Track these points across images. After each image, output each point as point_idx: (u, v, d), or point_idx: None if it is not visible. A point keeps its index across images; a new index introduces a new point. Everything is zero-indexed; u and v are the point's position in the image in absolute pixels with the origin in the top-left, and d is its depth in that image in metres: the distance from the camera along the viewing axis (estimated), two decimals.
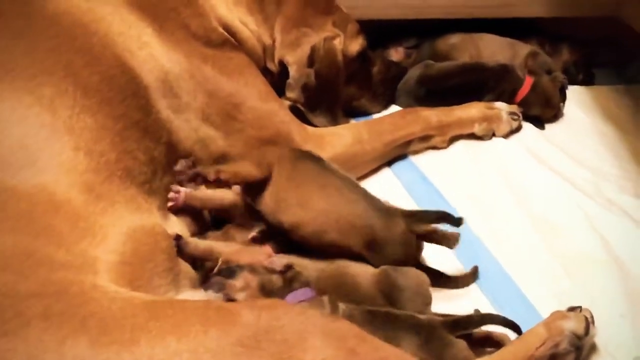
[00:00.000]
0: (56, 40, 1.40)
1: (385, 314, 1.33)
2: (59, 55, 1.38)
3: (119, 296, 1.08)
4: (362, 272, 1.44)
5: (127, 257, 1.22)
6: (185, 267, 1.40)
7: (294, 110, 1.90)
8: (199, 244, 1.43)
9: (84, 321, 1.00)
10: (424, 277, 1.46)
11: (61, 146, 1.27)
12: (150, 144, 1.46)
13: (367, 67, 2.19)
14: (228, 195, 1.58)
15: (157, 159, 1.48)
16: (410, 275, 1.44)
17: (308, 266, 1.40)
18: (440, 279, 1.55)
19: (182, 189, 1.53)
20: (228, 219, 1.60)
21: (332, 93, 2.00)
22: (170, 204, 1.52)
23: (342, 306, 1.32)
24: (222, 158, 1.68)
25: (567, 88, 2.26)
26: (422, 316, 1.35)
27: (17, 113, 1.27)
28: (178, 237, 1.39)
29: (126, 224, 1.28)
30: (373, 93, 2.23)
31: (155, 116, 1.51)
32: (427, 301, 1.44)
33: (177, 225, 1.51)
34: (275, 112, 1.77)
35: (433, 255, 1.60)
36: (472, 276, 1.60)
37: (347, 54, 2.05)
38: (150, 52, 1.56)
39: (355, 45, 2.09)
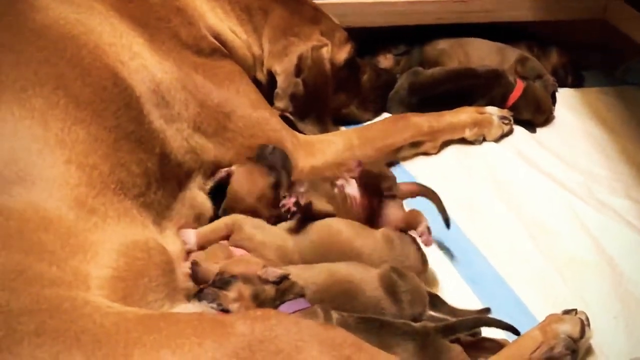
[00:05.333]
0: (46, 52, 1.39)
1: (379, 322, 1.33)
2: (49, 67, 1.37)
3: (112, 311, 1.07)
4: (366, 277, 1.44)
5: (120, 272, 1.20)
6: (182, 282, 1.38)
7: (284, 119, 1.90)
8: (211, 268, 1.39)
9: (77, 337, 0.99)
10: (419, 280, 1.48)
11: (53, 160, 1.26)
12: (143, 155, 1.45)
13: (357, 75, 2.19)
14: (229, 219, 1.58)
15: (150, 170, 1.46)
16: (409, 278, 1.45)
17: (307, 278, 1.39)
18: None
19: (190, 231, 1.54)
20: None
21: (321, 101, 2.00)
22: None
23: (335, 314, 1.32)
24: (214, 167, 1.68)
25: (557, 91, 2.27)
26: (415, 324, 1.35)
27: (8, 126, 1.26)
28: (195, 263, 1.38)
29: (119, 239, 1.26)
30: (363, 101, 2.22)
31: (148, 127, 1.50)
32: (425, 301, 1.45)
33: (173, 240, 1.50)
34: (267, 120, 1.77)
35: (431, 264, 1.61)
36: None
37: (335, 62, 2.05)
38: (142, 63, 1.55)
39: (343, 53, 2.08)
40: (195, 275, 1.36)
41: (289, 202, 1.53)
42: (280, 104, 1.93)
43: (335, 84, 2.05)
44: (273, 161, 1.68)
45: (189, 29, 1.72)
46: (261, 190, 1.63)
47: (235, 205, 1.62)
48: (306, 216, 1.55)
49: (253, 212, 1.60)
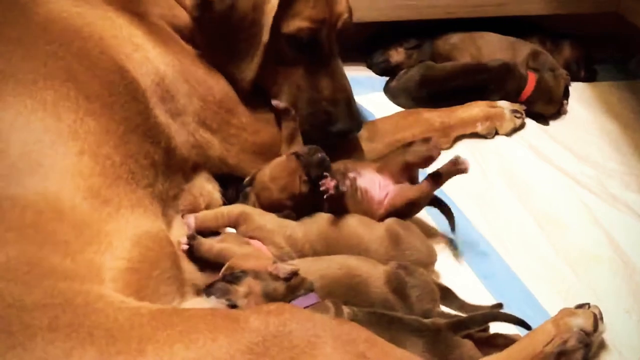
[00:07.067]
0: (53, 45, 1.39)
1: (389, 317, 1.33)
2: (58, 61, 1.37)
3: (125, 306, 1.07)
4: (373, 273, 1.43)
5: (134, 264, 1.21)
6: (188, 274, 1.39)
7: None
8: (213, 246, 1.42)
9: (90, 332, 0.99)
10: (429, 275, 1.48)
11: (66, 150, 1.26)
12: (150, 148, 1.45)
13: (313, 78, 1.77)
14: (236, 209, 1.58)
15: (157, 163, 1.47)
16: (418, 274, 1.45)
17: (315, 271, 1.39)
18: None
19: (191, 215, 1.54)
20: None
21: (247, 44, 1.67)
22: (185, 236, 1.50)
23: (346, 309, 1.31)
24: (220, 163, 1.67)
25: (570, 85, 2.26)
26: (426, 320, 1.35)
27: (21, 118, 1.26)
28: (193, 237, 1.37)
29: (132, 229, 1.26)
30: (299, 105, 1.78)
31: (154, 120, 1.50)
32: (435, 297, 1.44)
33: (179, 232, 1.50)
34: (271, 114, 1.73)
35: (440, 260, 1.60)
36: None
37: (280, 27, 1.68)
38: (145, 55, 1.54)
39: (293, 26, 1.68)
40: (194, 250, 1.37)
41: (329, 183, 1.50)
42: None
43: (271, 51, 1.69)
44: (310, 160, 1.56)
45: (180, 12, 1.67)
46: (286, 181, 1.59)
47: (260, 193, 1.61)
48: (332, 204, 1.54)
49: (277, 203, 1.59)
